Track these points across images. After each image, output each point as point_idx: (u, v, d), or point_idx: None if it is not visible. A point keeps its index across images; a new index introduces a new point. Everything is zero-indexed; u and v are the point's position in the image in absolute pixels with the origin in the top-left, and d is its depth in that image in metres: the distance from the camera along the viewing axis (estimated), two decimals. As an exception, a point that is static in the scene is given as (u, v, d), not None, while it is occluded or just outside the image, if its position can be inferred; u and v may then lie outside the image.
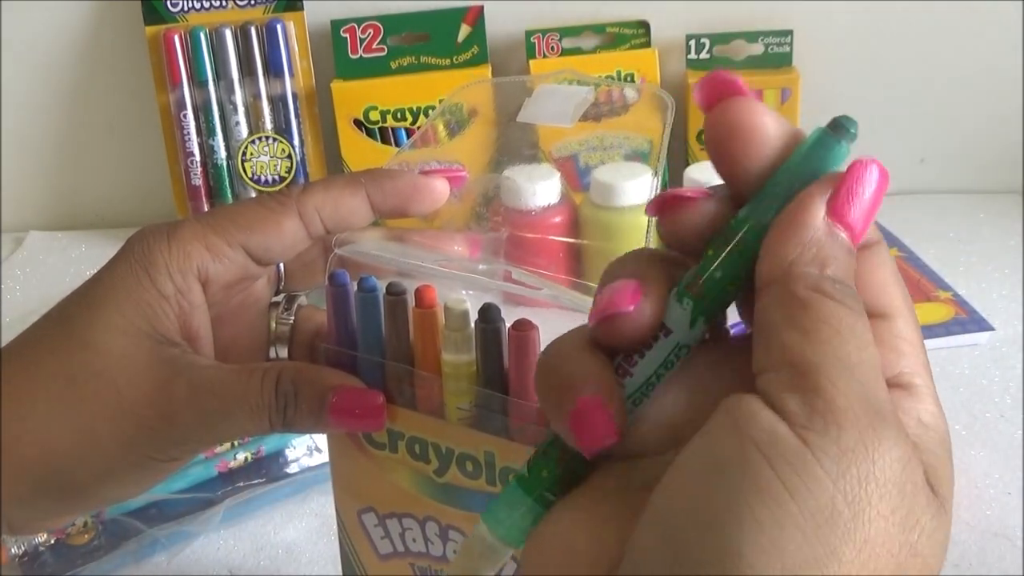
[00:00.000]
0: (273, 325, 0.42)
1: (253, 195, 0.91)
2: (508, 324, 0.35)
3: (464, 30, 0.91)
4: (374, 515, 0.41)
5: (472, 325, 0.35)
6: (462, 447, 0.37)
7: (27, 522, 0.38)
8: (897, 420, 0.24)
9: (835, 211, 0.24)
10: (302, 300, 0.43)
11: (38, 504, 0.37)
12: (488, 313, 0.35)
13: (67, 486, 0.36)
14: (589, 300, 0.29)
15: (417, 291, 0.36)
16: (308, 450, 0.61)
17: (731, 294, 0.26)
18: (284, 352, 0.42)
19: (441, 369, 0.36)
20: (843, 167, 0.25)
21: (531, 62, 0.91)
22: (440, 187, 0.39)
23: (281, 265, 0.42)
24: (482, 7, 0.91)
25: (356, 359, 0.38)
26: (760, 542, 0.21)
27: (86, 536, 0.56)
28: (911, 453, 0.24)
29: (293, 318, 0.42)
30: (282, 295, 0.43)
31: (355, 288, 0.37)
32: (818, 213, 0.24)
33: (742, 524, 0.22)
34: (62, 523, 0.39)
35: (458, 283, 0.37)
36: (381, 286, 0.37)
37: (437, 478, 0.38)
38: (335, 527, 0.58)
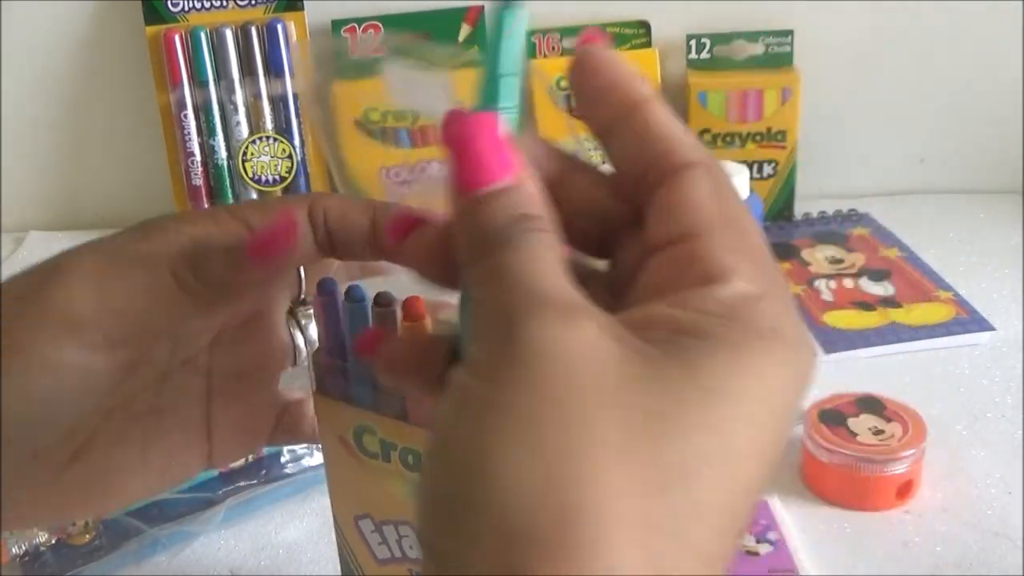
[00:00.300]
0: (291, 327, 0.40)
1: (254, 195, 0.91)
2: None
3: (465, 30, 0.91)
4: (371, 521, 0.41)
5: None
6: None
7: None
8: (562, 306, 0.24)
9: (464, 186, 0.26)
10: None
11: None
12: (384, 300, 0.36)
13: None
14: None
15: (405, 303, 0.35)
16: (309, 450, 0.61)
17: None
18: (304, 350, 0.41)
19: None
20: (518, 28, 0.27)
21: (532, 62, 0.91)
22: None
23: (302, 269, 0.40)
24: (483, 7, 0.91)
25: (347, 369, 0.38)
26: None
27: (87, 536, 0.56)
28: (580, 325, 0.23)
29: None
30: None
31: (343, 297, 0.37)
32: (459, 207, 0.26)
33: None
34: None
35: None
36: (369, 295, 0.36)
37: None
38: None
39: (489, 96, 0.27)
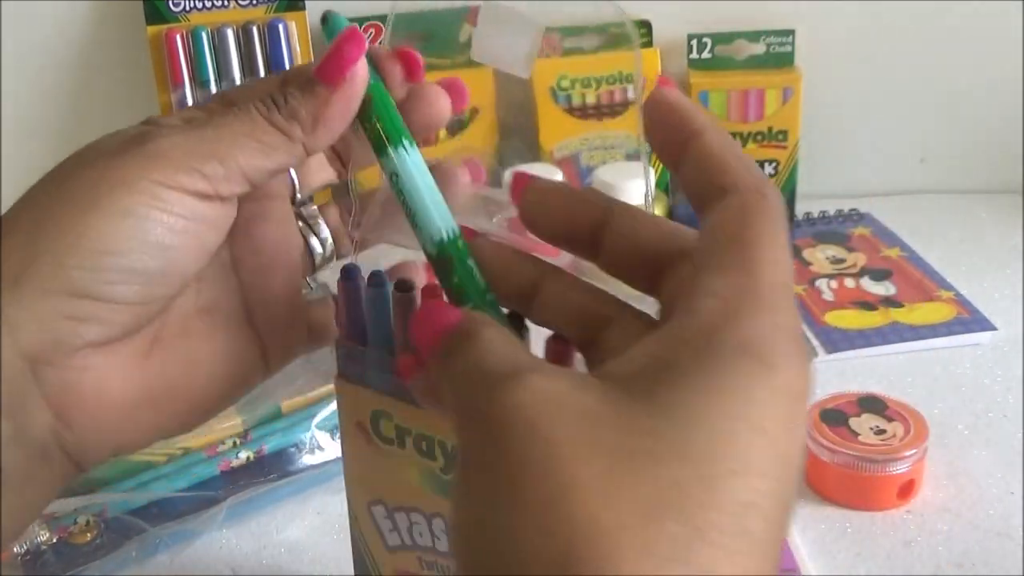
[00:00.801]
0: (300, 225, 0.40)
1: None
2: None
3: (466, 30, 0.91)
4: (383, 508, 0.41)
5: None
6: None
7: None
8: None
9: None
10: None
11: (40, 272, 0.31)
12: (403, 284, 0.36)
13: (53, 231, 0.32)
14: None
15: (424, 289, 0.36)
16: (311, 449, 0.61)
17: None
18: (319, 246, 0.41)
19: None
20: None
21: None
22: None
23: (292, 172, 0.40)
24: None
25: (365, 353, 0.38)
26: None
27: (88, 535, 0.56)
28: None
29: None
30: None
31: (364, 282, 0.37)
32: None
33: None
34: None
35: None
36: (390, 281, 0.37)
37: (443, 475, 0.38)
38: (338, 526, 0.58)
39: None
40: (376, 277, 0.37)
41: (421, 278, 0.38)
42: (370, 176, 0.40)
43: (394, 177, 0.34)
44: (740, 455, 0.23)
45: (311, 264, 0.41)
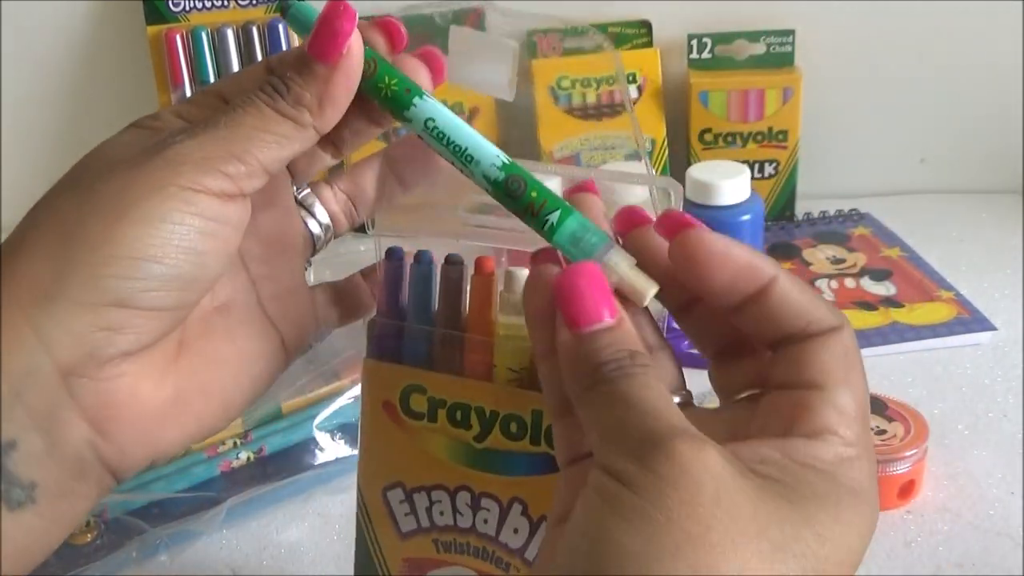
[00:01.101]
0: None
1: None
2: None
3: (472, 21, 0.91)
4: (401, 491, 0.42)
5: None
6: (508, 409, 0.39)
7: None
8: (690, 435, 0.27)
9: (571, 324, 0.30)
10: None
11: (70, 289, 0.31)
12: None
13: (86, 242, 0.31)
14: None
15: (477, 261, 0.39)
16: (311, 449, 0.61)
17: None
18: (318, 229, 0.41)
19: (495, 333, 0.39)
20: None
21: (533, 62, 0.91)
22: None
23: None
24: (483, 8, 0.91)
25: (404, 328, 0.40)
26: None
27: (88, 536, 0.56)
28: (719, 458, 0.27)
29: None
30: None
31: (411, 261, 0.39)
32: (563, 336, 0.30)
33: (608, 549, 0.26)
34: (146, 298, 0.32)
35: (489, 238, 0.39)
36: (437, 259, 0.39)
37: (476, 444, 0.40)
38: (338, 527, 0.58)
39: (589, 243, 0.33)
40: (423, 255, 0.39)
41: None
42: (363, 154, 0.40)
43: (430, 123, 0.34)
44: None
45: (311, 247, 0.41)
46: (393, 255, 0.40)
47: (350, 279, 0.42)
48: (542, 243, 0.34)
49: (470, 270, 0.39)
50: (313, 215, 0.40)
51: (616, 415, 0.28)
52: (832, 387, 0.30)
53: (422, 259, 0.40)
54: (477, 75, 0.36)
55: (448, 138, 0.34)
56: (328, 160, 0.40)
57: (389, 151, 0.40)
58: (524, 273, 0.37)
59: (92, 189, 0.32)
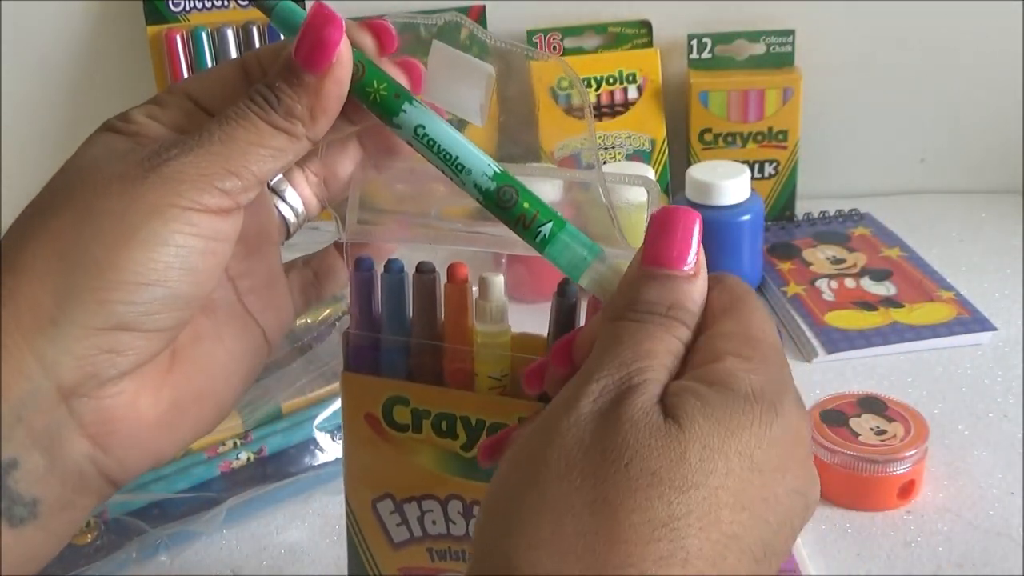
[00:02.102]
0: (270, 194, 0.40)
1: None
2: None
3: (465, 31, 0.91)
4: (391, 502, 0.41)
5: (504, 296, 0.37)
6: (494, 417, 0.38)
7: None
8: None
9: (649, 260, 0.32)
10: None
11: (71, 312, 0.31)
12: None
13: (87, 266, 0.31)
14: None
15: (450, 268, 0.38)
16: (311, 450, 0.61)
17: None
18: (290, 213, 0.41)
19: (473, 341, 0.38)
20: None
21: (532, 63, 0.91)
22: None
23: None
24: (484, 7, 0.91)
25: (380, 340, 0.39)
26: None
27: (89, 536, 0.56)
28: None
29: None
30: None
31: (381, 270, 0.38)
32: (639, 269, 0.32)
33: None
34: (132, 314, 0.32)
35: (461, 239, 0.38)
36: (408, 267, 0.38)
37: (464, 453, 0.39)
38: (338, 527, 0.58)
39: (580, 256, 0.34)
40: (393, 264, 0.38)
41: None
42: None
43: (419, 130, 0.34)
44: (736, 490, 0.28)
45: (285, 233, 0.41)
46: (362, 265, 0.39)
47: (324, 252, 0.42)
48: (520, 247, 0.34)
49: (443, 278, 0.38)
50: (286, 201, 0.40)
51: (601, 345, 0.31)
52: (717, 327, 0.31)
53: (392, 268, 0.39)
54: (451, 95, 0.36)
55: (438, 146, 0.34)
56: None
57: (361, 133, 0.39)
58: (499, 279, 0.36)
59: (90, 208, 0.32)
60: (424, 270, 0.38)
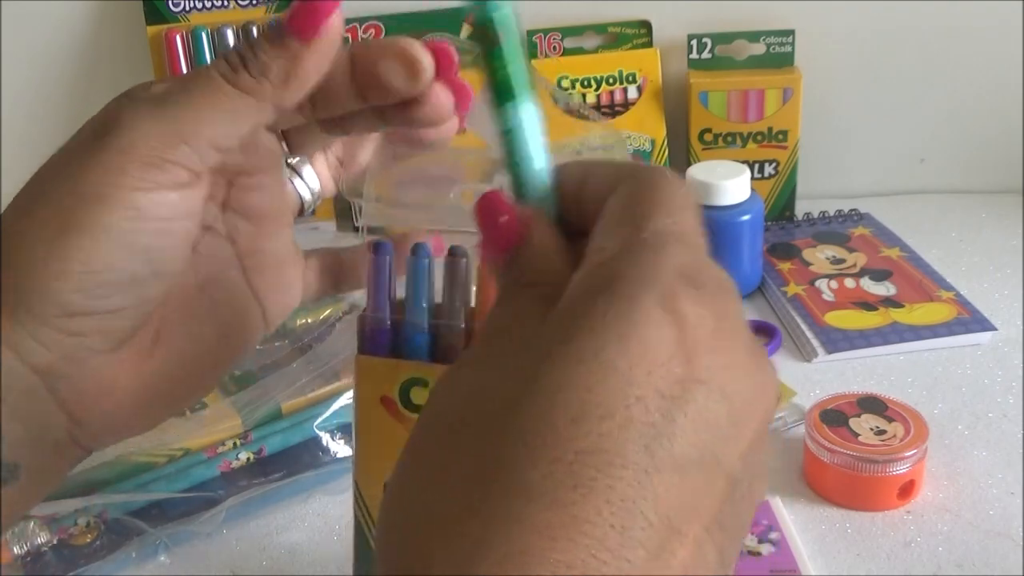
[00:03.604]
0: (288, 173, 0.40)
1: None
2: None
3: (466, 30, 0.91)
4: None
5: None
6: None
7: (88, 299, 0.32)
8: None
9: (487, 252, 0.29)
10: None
11: (35, 305, 0.31)
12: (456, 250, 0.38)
13: (41, 254, 0.31)
14: None
15: (480, 243, 0.37)
16: (311, 450, 0.61)
17: None
18: (307, 192, 0.40)
19: None
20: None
21: (533, 62, 0.91)
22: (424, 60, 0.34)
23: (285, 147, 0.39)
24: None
25: (401, 323, 0.39)
26: None
27: (88, 536, 0.56)
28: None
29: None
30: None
31: (407, 254, 0.39)
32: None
33: None
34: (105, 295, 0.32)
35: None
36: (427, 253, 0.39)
37: None
38: (338, 527, 0.58)
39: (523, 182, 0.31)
40: (420, 248, 0.38)
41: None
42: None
43: (509, 133, 0.31)
44: (584, 399, 0.23)
45: (299, 209, 0.40)
46: (380, 249, 0.39)
47: (353, 249, 0.41)
48: None
49: (475, 261, 0.39)
50: (303, 179, 0.40)
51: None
52: (601, 225, 0.28)
53: (419, 252, 0.39)
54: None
55: (515, 156, 0.31)
56: (327, 139, 0.39)
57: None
58: None
59: (43, 196, 0.32)
60: (457, 254, 0.38)
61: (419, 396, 0.40)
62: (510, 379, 0.25)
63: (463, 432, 0.25)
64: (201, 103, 0.32)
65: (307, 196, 0.40)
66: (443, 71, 0.35)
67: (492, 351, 0.26)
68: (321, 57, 0.33)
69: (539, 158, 0.31)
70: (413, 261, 0.39)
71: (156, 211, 0.32)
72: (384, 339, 0.40)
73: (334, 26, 0.33)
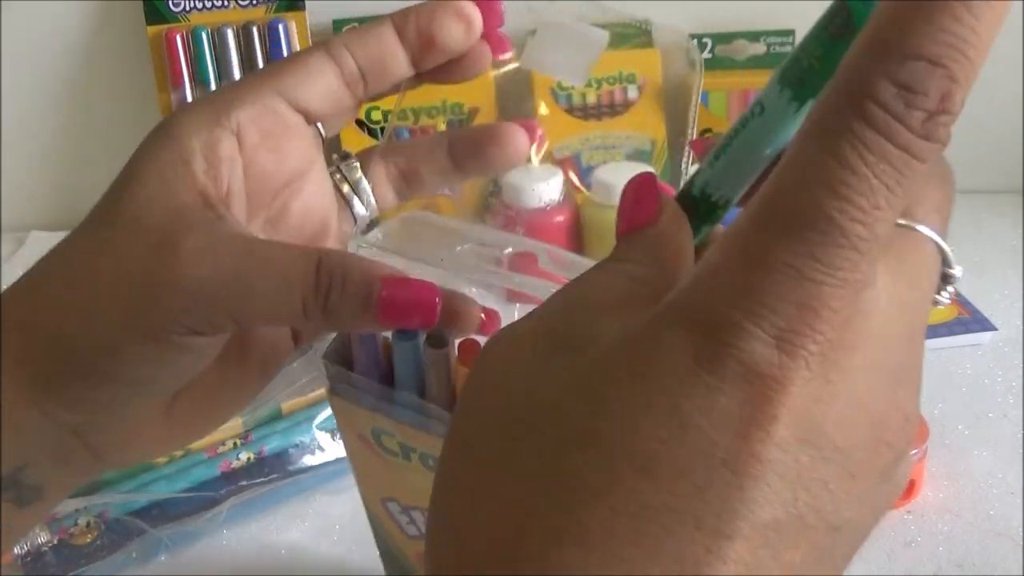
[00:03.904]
0: (341, 185, 0.39)
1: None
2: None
3: (466, 30, 0.91)
4: (397, 505, 0.42)
5: None
6: None
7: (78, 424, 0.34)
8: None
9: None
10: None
11: (65, 391, 0.33)
12: (438, 340, 0.35)
13: (77, 363, 0.32)
14: None
15: (462, 346, 0.35)
16: (311, 449, 0.61)
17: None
18: (361, 208, 0.39)
19: None
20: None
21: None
22: (474, 19, 0.36)
23: (320, 127, 0.37)
24: (484, 7, 0.91)
25: (394, 394, 0.38)
26: None
27: (89, 536, 0.56)
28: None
29: (358, 165, 0.39)
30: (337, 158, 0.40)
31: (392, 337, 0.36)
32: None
33: None
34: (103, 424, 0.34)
35: (465, 281, 0.37)
36: (420, 336, 0.36)
37: None
38: (338, 527, 0.59)
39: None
40: (408, 334, 0.36)
41: (473, 315, 0.35)
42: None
43: (753, 118, 0.26)
44: (650, 451, 0.20)
45: (352, 225, 0.39)
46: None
47: (415, 145, 0.40)
48: (531, 287, 0.33)
49: (454, 351, 0.36)
50: (359, 196, 0.39)
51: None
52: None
53: (403, 335, 0.36)
54: (555, 60, 0.35)
55: (733, 142, 0.26)
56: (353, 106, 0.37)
57: (452, 136, 0.39)
58: None
59: (95, 294, 0.32)
60: (436, 345, 0.35)
61: (389, 443, 0.39)
62: (571, 385, 0.22)
63: (516, 443, 0.22)
64: (260, 289, 0.31)
65: (362, 212, 0.38)
66: (489, 25, 0.36)
67: (553, 327, 0.23)
68: (373, 327, 0.33)
69: (759, 164, 0.26)
70: (399, 345, 0.36)
71: (196, 346, 0.33)
72: (348, 388, 0.39)
73: (429, 312, 0.32)
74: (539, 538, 0.20)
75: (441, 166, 0.38)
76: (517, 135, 0.37)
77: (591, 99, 0.90)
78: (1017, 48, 0.92)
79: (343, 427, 0.41)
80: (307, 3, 0.91)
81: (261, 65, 0.90)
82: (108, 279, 0.32)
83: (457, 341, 0.36)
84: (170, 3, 0.89)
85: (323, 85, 0.35)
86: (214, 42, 0.89)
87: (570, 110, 0.89)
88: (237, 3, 0.90)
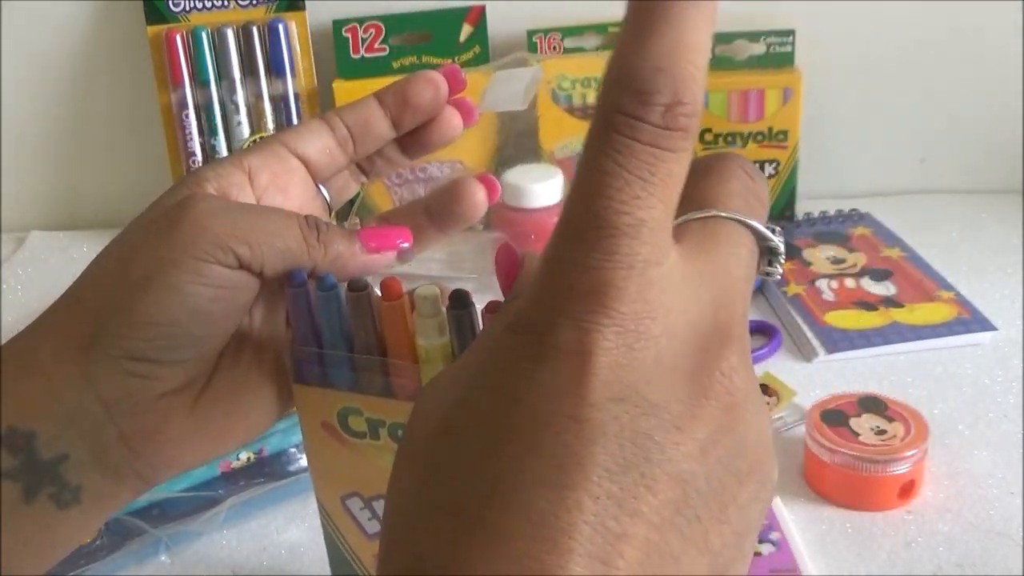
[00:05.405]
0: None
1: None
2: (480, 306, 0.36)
3: (466, 30, 0.91)
4: (359, 499, 0.42)
5: (444, 311, 0.37)
6: None
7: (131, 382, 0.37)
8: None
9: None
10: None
11: (103, 338, 0.36)
12: (460, 299, 0.36)
13: (115, 303, 0.36)
14: None
15: (383, 284, 0.37)
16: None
17: None
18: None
19: (416, 355, 0.38)
20: None
21: (532, 62, 0.91)
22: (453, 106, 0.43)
23: (325, 191, 0.43)
24: (484, 7, 0.91)
25: (322, 355, 0.39)
26: None
27: (89, 536, 0.56)
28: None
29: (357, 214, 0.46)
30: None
31: (314, 286, 0.38)
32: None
33: None
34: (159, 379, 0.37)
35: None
36: (341, 283, 0.38)
37: None
38: (337, 526, 0.58)
39: None
40: (325, 280, 0.38)
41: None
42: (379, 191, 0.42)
43: None
44: (489, 428, 0.24)
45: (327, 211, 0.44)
46: (294, 280, 0.38)
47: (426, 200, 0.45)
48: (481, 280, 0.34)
49: (377, 292, 0.37)
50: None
51: None
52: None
53: (324, 284, 0.37)
54: (499, 98, 0.40)
55: None
56: (355, 187, 0.45)
57: (427, 201, 0.43)
58: (433, 292, 0.37)
59: (130, 258, 0.37)
60: (356, 288, 0.37)
61: (356, 423, 0.40)
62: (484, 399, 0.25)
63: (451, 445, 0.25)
64: (273, 227, 0.37)
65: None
66: (454, 90, 0.42)
67: (466, 363, 0.27)
68: (370, 267, 0.39)
69: None
70: (321, 295, 0.38)
71: (213, 279, 0.36)
72: (316, 369, 0.39)
73: (399, 251, 0.40)
74: (425, 515, 0.24)
75: (422, 229, 0.43)
76: (476, 191, 0.42)
77: (591, 99, 0.90)
78: (1017, 48, 0.92)
79: (307, 420, 0.41)
80: (307, 3, 0.91)
81: (261, 65, 0.90)
82: (134, 240, 0.37)
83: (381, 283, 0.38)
84: (170, 3, 0.89)
85: (320, 142, 0.42)
86: (214, 42, 0.89)
87: (570, 110, 0.89)
88: (237, 3, 0.90)
